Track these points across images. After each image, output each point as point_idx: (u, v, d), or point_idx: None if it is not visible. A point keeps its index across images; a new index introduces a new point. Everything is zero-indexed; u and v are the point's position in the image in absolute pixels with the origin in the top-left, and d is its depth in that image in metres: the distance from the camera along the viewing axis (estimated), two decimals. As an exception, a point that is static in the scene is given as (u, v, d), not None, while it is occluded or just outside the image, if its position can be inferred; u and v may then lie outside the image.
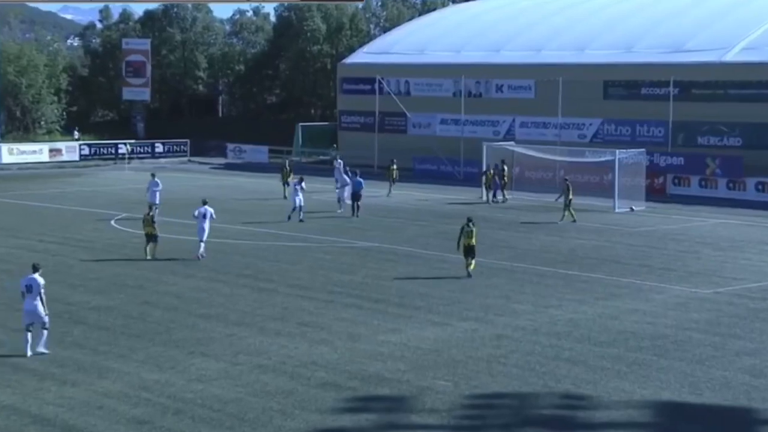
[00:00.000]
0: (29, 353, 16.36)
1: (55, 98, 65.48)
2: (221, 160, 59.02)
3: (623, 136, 46.18)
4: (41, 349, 16.49)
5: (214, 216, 26.29)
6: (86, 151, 58.14)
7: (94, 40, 76.97)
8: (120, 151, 58.37)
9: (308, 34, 68.66)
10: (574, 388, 15.13)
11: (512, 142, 45.09)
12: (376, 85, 54.34)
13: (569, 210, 33.40)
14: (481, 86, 51.77)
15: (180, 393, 14.78)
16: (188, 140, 61.23)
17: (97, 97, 72.53)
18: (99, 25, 77.92)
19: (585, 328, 18.82)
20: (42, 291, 16.44)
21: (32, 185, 45.84)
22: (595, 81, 46.85)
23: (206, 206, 26.16)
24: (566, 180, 35.04)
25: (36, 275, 16.51)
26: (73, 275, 23.69)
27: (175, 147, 61.24)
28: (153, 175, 34.66)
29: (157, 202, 32.83)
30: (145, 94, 66.21)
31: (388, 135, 53.69)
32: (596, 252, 27.64)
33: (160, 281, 23.15)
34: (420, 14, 69.74)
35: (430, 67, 53.72)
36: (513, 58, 51.17)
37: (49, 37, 78.19)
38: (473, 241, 23.51)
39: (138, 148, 59.85)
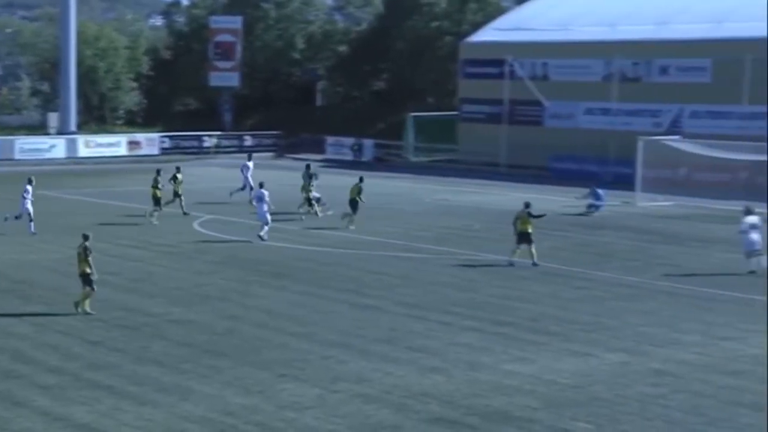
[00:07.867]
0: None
1: (135, 84, 67.91)
2: (319, 156, 59.81)
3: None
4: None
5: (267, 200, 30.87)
6: (167, 143, 60.23)
7: (178, 19, 78.79)
8: (205, 144, 60.20)
9: (426, 8, 69.03)
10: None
11: (678, 136, 44.15)
12: (506, 68, 54.19)
13: None
14: (641, 68, 50.76)
15: (269, 421, 15.19)
16: (281, 132, 62.43)
17: (181, 83, 74.21)
18: (185, 2, 79.55)
19: (774, 367, 18.09)
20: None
21: (110, 181, 47.85)
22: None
23: (262, 189, 31.11)
24: None
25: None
26: (153, 283, 24.60)
27: (266, 140, 62.57)
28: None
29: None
30: (233, 80, 67.68)
31: (519, 128, 53.51)
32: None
33: (248, 293, 23.76)
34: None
35: (575, 45, 53.00)
36: (685, 32, 49.61)
37: (129, 16, 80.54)
38: (529, 228, 26.98)
39: (225, 141, 61.55)
